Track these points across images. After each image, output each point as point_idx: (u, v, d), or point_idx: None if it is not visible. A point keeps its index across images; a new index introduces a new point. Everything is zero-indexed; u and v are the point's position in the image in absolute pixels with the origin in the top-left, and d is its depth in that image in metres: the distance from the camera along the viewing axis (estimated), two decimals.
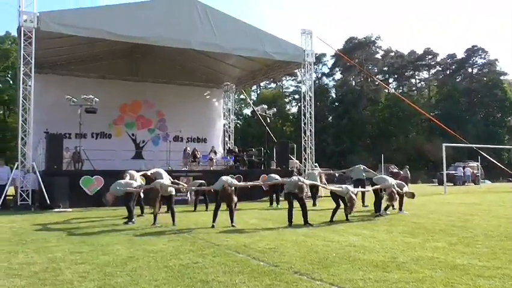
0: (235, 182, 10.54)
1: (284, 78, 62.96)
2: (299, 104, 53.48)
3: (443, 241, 7.67)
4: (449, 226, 9.68)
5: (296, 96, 64.19)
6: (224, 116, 27.66)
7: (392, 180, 12.19)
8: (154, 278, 5.19)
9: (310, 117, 20.76)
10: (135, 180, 11.90)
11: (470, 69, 63.79)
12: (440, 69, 66.59)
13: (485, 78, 60.70)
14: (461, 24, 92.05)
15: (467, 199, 18.89)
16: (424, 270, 5.50)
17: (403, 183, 13.26)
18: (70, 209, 14.32)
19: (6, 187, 15.07)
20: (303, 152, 20.42)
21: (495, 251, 6.77)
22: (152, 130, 24.77)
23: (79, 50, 20.30)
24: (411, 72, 67.78)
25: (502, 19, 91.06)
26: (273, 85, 68.65)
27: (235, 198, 9.96)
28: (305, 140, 20.72)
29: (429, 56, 65.45)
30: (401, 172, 42.93)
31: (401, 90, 64.92)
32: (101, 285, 4.93)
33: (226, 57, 21.92)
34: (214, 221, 9.89)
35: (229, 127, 27.89)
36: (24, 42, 15.31)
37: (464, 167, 36.72)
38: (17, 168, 15.12)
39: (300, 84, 58.76)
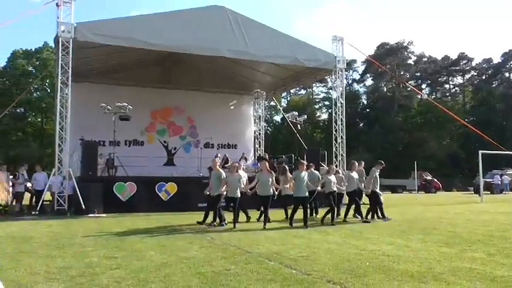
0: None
1: (314, 84, 62.73)
2: (330, 111, 53.32)
3: (481, 251, 7.44)
4: (487, 236, 9.39)
5: (326, 103, 63.87)
6: (254, 122, 27.73)
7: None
8: (187, 285, 5.22)
9: (341, 124, 20.58)
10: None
11: (507, 74, 62.06)
12: (475, 74, 65.09)
13: None
14: (497, 28, 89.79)
15: (506, 208, 18.29)
16: (462, 282, 5.34)
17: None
18: (104, 215, 14.62)
19: (44, 192, 15.51)
20: (333, 159, 20.23)
21: None
22: (184, 137, 25.05)
23: (113, 58, 20.82)
24: (445, 78, 66.49)
25: None
26: (303, 91, 68.51)
27: None
28: (336, 147, 20.54)
29: (464, 61, 64.11)
30: (435, 180, 42.33)
31: (434, 96, 63.71)
32: None
33: (257, 65, 22.02)
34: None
35: (260, 134, 27.93)
36: (62, 52, 15.82)
37: (501, 175, 35.56)
38: (54, 174, 15.56)
39: (330, 91, 58.55)
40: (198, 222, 11.50)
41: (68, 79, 15.95)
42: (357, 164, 13.63)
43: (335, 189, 12.49)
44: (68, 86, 16.02)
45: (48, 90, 50.91)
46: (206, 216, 11.51)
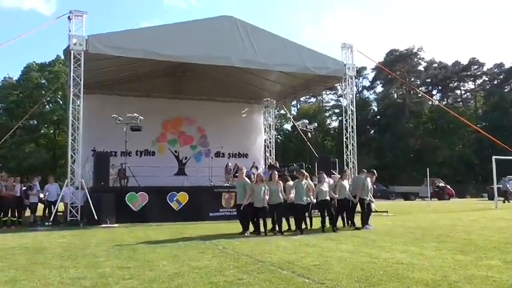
0: None
1: (324, 92, 62.66)
2: (340, 118, 53.24)
3: (497, 259, 7.32)
4: (503, 243, 9.24)
5: (337, 110, 63.74)
6: (265, 131, 27.76)
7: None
8: None
9: (352, 131, 20.52)
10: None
11: None
12: (486, 79, 64.58)
13: None
14: (509, 32, 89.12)
15: None
16: None
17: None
18: (117, 225, 14.68)
19: (57, 203, 15.63)
20: (345, 167, 20.13)
21: None
22: (195, 147, 25.14)
23: (125, 70, 21.04)
24: (456, 84, 66.03)
25: None
26: (313, 99, 68.46)
27: None
28: (347, 155, 20.45)
29: (475, 66, 63.66)
30: (448, 186, 41.88)
31: (445, 102, 63.24)
32: None
33: (267, 74, 22.10)
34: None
35: (270, 142, 27.94)
36: (73, 65, 16.02)
37: None
38: (66, 185, 15.68)
39: (340, 98, 58.52)
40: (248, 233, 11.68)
41: (80, 91, 16.12)
42: (354, 172, 13.71)
43: (327, 197, 12.47)
44: (80, 98, 16.18)
45: (61, 102, 51.50)
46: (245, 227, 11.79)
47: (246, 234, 11.41)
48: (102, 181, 15.92)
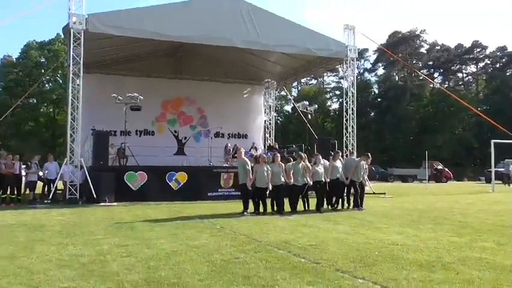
0: None
1: (325, 74, 62.30)
2: (341, 100, 53.03)
3: (491, 241, 7.39)
4: (498, 226, 9.33)
5: (337, 92, 63.48)
6: (265, 112, 27.71)
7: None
8: (197, 272, 5.27)
9: (352, 114, 20.48)
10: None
11: None
12: (489, 62, 64.09)
13: None
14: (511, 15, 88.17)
15: None
16: (472, 271, 5.32)
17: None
18: (115, 203, 14.77)
19: (56, 181, 15.69)
20: (344, 149, 20.17)
21: None
22: (194, 127, 25.14)
23: (125, 49, 20.88)
24: (458, 67, 65.55)
25: None
26: (313, 81, 68.10)
27: None
28: (347, 137, 20.46)
29: (478, 49, 63.07)
30: (446, 169, 42.00)
31: (446, 85, 62.89)
32: (145, 277, 5.05)
33: (268, 55, 21.95)
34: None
35: (270, 123, 27.92)
36: (73, 44, 15.89)
37: None
38: (65, 163, 15.73)
39: (341, 80, 58.24)
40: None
41: (79, 70, 16.03)
42: (343, 153, 13.81)
43: (322, 179, 12.60)
44: (79, 77, 16.11)
45: (60, 81, 51.33)
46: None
47: (245, 214, 11.48)
48: (101, 160, 15.97)
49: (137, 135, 23.29)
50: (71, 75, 16.24)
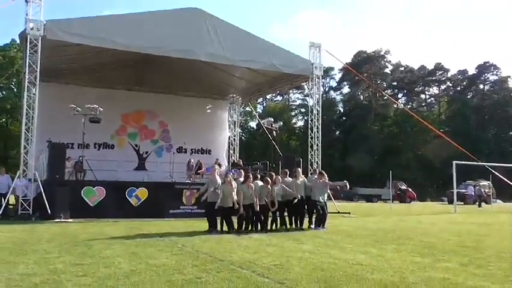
0: None
1: (291, 91, 63.22)
2: (306, 118, 53.79)
3: (454, 262, 7.59)
4: (460, 246, 9.60)
5: (303, 110, 64.42)
6: (229, 128, 27.71)
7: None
8: None
9: (317, 132, 20.76)
10: None
11: (481, 86, 63.86)
12: (450, 85, 66.79)
13: (496, 96, 60.64)
14: (473, 40, 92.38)
15: (478, 219, 18.73)
16: None
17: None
18: (71, 220, 14.35)
19: (7, 196, 15.14)
20: (309, 167, 20.38)
21: (508, 273, 6.68)
22: (156, 141, 24.86)
23: (85, 59, 20.48)
24: (421, 88, 67.96)
25: None
26: (279, 98, 68.99)
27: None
28: (312, 155, 20.70)
29: (440, 72, 65.68)
30: (409, 189, 43.04)
31: (410, 106, 64.97)
32: None
33: (233, 69, 22.04)
34: None
35: (234, 139, 27.92)
36: (29, 50, 15.49)
37: (475, 186, 36.38)
38: (18, 177, 15.19)
39: (307, 98, 59.18)
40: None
41: (36, 78, 15.63)
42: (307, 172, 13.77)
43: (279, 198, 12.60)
44: (35, 86, 15.70)
45: (15, 90, 49.75)
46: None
47: (213, 232, 11.37)
48: (57, 174, 15.52)
49: (96, 149, 22.89)
50: (26, 83, 15.75)
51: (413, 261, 7.55)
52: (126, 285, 5.52)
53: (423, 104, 68.81)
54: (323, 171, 13.68)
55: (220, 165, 22.19)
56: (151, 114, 24.68)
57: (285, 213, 12.87)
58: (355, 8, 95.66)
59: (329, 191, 14.87)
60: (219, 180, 12.11)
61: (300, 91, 64.64)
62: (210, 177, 12.65)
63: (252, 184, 12.13)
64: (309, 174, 15.94)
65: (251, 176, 12.68)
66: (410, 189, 43.41)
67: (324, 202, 13.13)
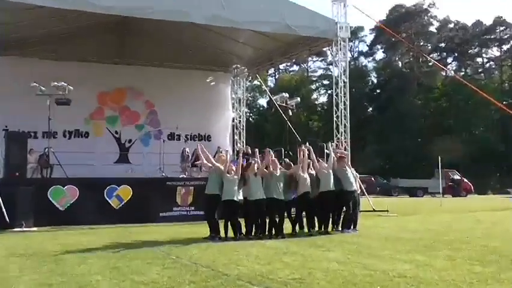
0: None
1: (310, 58, 62.99)
2: (330, 92, 53.59)
3: None
4: None
5: (325, 82, 64.29)
6: (233, 107, 27.75)
7: None
8: None
9: (344, 109, 20.71)
10: None
11: None
12: None
13: None
14: None
15: None
16: None
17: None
18: (35, 228, 14.43)
19: None
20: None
21: None
22: (141, 126, 24.98)
23: (50, 25, 20.43)
24: (476, 49, 67.23)
25: None
26: (295, 68, 68.83)
27: None
28: (338, 138, 20.62)
29: (501, 28, 64.90)
30: (465, 180, 42.90)
31: (463, 73, 64.41)
32: None
33: (236, 33, 21.94)
34: None
35: (240, 122, 27.95)
36: None
37: None
38: None
39: (330, 67, 58.78)
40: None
41: None
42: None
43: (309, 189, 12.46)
44: None
45: None
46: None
47: (216, 239, 11.37)
48: (17, 171, 15.60)
49: (66, 138, 23.12)
50: None
51: (472, 272, 7.46)
52: None
53: (479, 70, 68.22)
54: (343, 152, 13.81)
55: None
56: (134, 93, 24.80)
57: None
58: None
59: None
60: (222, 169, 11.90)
61: (322, 58, 64.47)
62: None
63: (266, 171, 12.04)
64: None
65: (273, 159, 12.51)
66: (465, 180, 43.27)
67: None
